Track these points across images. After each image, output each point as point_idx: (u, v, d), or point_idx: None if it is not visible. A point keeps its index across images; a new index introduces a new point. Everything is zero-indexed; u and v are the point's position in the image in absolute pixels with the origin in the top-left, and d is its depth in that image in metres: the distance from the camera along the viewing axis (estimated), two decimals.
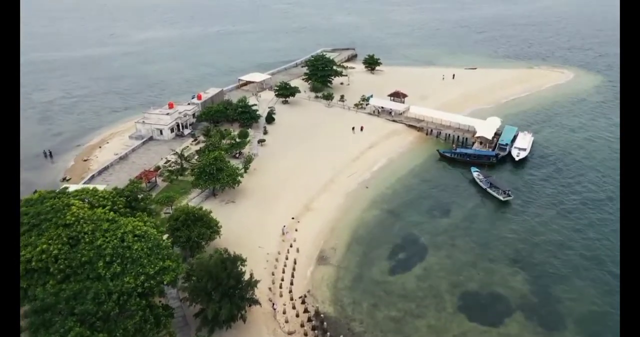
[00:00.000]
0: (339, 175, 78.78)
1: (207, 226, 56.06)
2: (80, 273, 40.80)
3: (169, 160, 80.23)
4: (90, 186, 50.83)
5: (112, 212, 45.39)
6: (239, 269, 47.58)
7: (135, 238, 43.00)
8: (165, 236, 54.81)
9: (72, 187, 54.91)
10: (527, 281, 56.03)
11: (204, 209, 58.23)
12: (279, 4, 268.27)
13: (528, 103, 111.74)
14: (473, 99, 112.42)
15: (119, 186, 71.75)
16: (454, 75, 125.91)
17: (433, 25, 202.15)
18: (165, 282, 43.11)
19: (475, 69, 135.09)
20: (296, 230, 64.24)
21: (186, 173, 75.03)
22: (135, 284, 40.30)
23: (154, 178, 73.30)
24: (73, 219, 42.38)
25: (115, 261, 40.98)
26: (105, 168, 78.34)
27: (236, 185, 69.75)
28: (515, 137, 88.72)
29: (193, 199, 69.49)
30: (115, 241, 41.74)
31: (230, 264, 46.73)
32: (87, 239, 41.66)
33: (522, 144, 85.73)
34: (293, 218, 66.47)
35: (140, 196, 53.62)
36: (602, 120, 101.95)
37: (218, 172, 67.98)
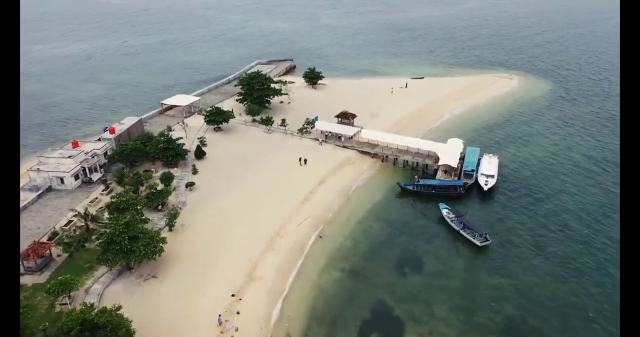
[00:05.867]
0: (287, 224, 65.59)
1: (115, 333, 41.24)
2: None
3: (71, 221, 63.62)
4: None
5: None
6: None
7: None
8: None
9: None
10: None
11: (109, 307, 43.18)
12: (199, 8, 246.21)
13: (484, 116, 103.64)
14: (427, 114, 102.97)
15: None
16: (406, 84, 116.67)
17: (367, 29, 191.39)
18: None
19: (422, 78, 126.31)
20: (238, 313, 50.38)
21: (94, 237, 59.06)
22: None
23: (48, 251, 56.50)
24: None
25: None
26: None
27: (157, 255, 54.65)
28: (479, 161, 79.56)
29: (101, 278, 53.78)
30: None
31: None
32: None
33: (489, 170, 76.39)
34: (233, 295, 52.47)
35: None
36: (560, 131, 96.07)
37: (131, 242, 52.68)
